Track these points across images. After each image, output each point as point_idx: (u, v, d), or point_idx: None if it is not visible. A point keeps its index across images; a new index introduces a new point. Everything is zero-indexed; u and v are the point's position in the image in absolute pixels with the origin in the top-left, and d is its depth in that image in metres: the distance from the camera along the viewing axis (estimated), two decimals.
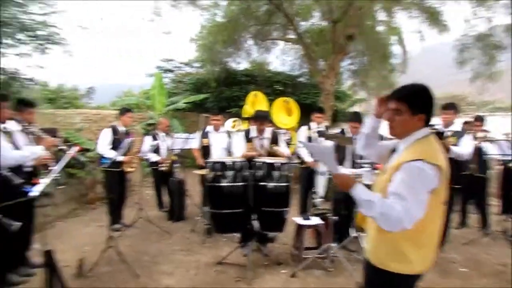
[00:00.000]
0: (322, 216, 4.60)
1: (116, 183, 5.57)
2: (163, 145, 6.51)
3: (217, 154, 5.69)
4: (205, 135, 6.00)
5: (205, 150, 5.92)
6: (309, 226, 4.51)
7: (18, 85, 7.48)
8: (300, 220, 4.49)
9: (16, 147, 3.54)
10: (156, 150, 6.46)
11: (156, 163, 6.43)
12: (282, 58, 13.73)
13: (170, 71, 14.88)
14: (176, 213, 6.25)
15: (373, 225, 1.91)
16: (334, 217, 4.35)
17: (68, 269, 3.85)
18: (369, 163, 4.49)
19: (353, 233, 4.58)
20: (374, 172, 4.37)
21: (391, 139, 2.11)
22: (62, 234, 5.33)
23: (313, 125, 5.88)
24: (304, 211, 5.64)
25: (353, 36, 9.99)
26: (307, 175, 5.76)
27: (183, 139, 6.21)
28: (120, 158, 5.31)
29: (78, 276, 3.90)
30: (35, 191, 2.59)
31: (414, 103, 1.86)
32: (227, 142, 5.88)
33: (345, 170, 4.68)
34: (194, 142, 6.13)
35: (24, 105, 4.01)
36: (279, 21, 11.22)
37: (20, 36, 7.00)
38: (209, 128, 6.03)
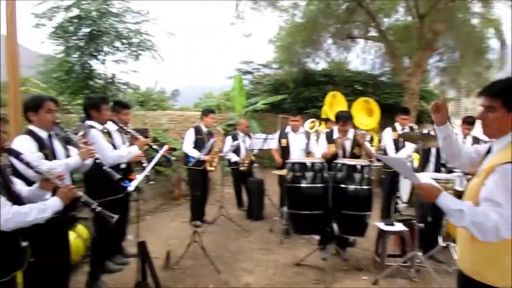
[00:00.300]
0: (406, 222, 4.35)
1: (199, 181, 5.85)
2: (243, 146, 6.69)
3: (295, 155, 5.68)
4: (283, 135, 6.02)
5: (284, 151, 5.94)
6: (393, 233, 4.30)
7: (114, 89, 8.20)
8: (383, 226, 4.30)
9: (114, 147, 3.88)
10: (236, 150, 6.65)
11: (236, 163, 6.62)
12: (362, 57, 13.20)
13: (249, 72, 15.19)
14: (254, 212, 6.38)
15: (464, 232, 1.73)
16: (419, 224, 4.08)
17: (156, 260, 4.11)
18: None
19: (441, 242, 4.27)
20: (467, 177, 4.02)
21: (487, 142, 1.92)
22: (150, 228, 5.73)
23: (398, 126, 5.60)
24: (386, 216, 5.40)
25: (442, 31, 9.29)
26: (390, 178, 5.50)
27: (262, 140, 6.33)
28: (204, 157, 5.56)
29: (166, 267, 4.18)
30: (132, 186, 2.83)
31: (510, 98, 1.66)
32: (305, 143, 5.85)
33: (429, 174, 4.38)
34: (272, 142, 6.20)
35: (121, 106, 4.39)
36: (360, 19, 10.87)
37: (117, 44, 7.68)
38: (288, 129, 6.04)
